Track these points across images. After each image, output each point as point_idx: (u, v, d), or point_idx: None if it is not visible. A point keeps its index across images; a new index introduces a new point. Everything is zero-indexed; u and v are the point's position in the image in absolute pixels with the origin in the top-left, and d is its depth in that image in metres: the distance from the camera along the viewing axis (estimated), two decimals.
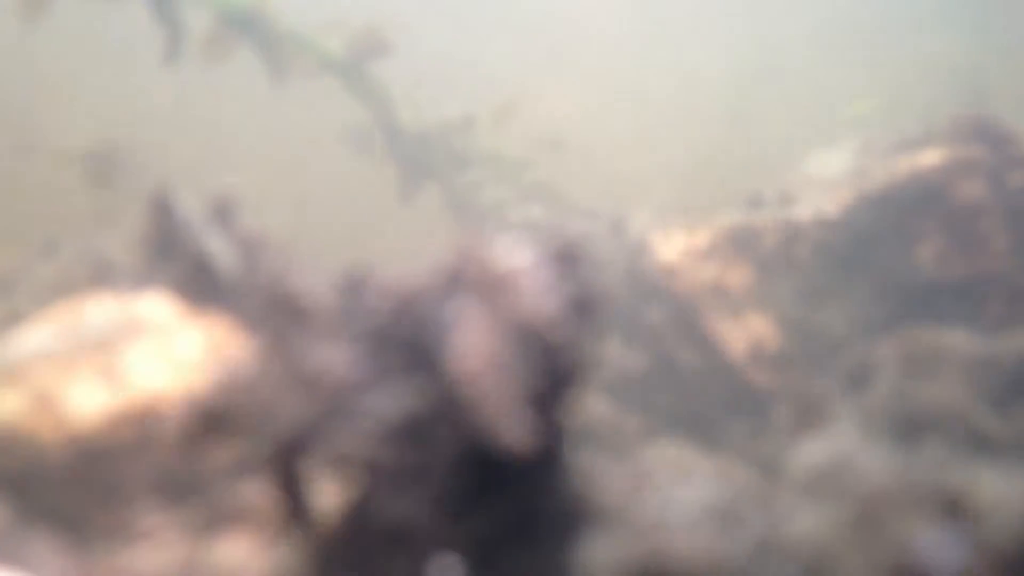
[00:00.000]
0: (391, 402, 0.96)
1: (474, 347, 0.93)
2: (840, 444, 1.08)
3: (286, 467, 0.98)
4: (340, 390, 0.97)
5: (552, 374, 0.96)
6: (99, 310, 1.18)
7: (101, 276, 1.18)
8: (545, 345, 0.95)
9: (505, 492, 0.97)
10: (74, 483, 1.05)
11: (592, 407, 1.79)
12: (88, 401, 1.07)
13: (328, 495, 0.98)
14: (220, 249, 1.20)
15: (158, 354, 1.11)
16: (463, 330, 0.94)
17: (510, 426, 0.91)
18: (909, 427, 1.71)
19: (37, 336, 1.16)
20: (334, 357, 0.98)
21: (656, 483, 1.13)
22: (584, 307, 0.98)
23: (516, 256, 0.98)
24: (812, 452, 1.08)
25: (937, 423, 1.72)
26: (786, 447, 1.48)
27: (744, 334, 2.16)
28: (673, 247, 2.23)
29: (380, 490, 0.96)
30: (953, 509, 0.95)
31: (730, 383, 2.14)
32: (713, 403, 2.13)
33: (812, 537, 0.96)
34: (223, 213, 1.27)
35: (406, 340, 0.98)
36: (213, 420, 0.98)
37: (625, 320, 2.24)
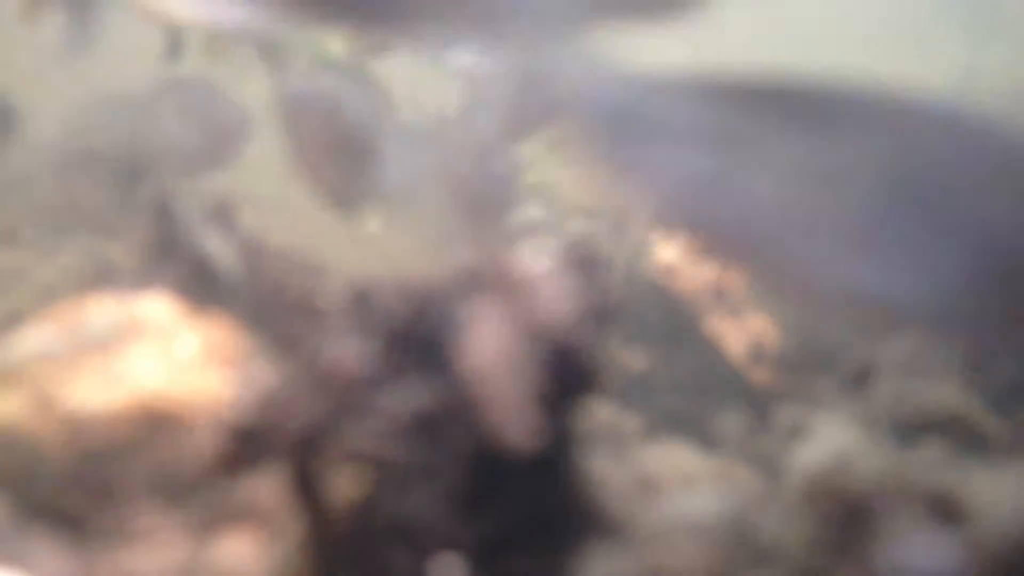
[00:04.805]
0: (403, 400, 0.96)
1: (487, 347, 0.94)
2: (839, 445, 1.08)
3: (300, 464, 0.98)
4: (352, 387, 0.98)
5: (566, 379, 0.97)
6: (99, 310, 1.18)
7: (101, 276, 1.18)
8: (560, 350, 0.96)
9: (512, 494, 0.97)
10: (74, 483, 1.06)
11: (592, 408, 1.79)
12: (88, 401, 1.07)
13: (338, 492, 0.98)
14: (220, 250, 1.20)
15: (158, 354, 1.11)
16: (477, 330, 0.95)
17: (516, 426, 0.92)
18: (909, 428, 1.71)
19: (37, 336, 1.16)
20: (347, 354, 0.98)
21: (657, 486, 1.13)
22: (601, 314, 0.99)
23: (535, 261, 0.99)
24: (811, 453, 1.08)
25: (936, 424, 1.72)
26: (786, 447, 1.48)
27: (744, 334, 2.16)
28: (672, 246, 2.23)
29: (390, 488, 0.97)
30: (946, 510, 0.95)
31: (730, 383, 2.14)
32: (713, 403, 2.13)
33: (802, 541, 0.96)
34: (224, 214, 1.27)
35: (421, 339, 0.99)
36: (246, 442, 0.99)
37: (625, 320, 2.24)
